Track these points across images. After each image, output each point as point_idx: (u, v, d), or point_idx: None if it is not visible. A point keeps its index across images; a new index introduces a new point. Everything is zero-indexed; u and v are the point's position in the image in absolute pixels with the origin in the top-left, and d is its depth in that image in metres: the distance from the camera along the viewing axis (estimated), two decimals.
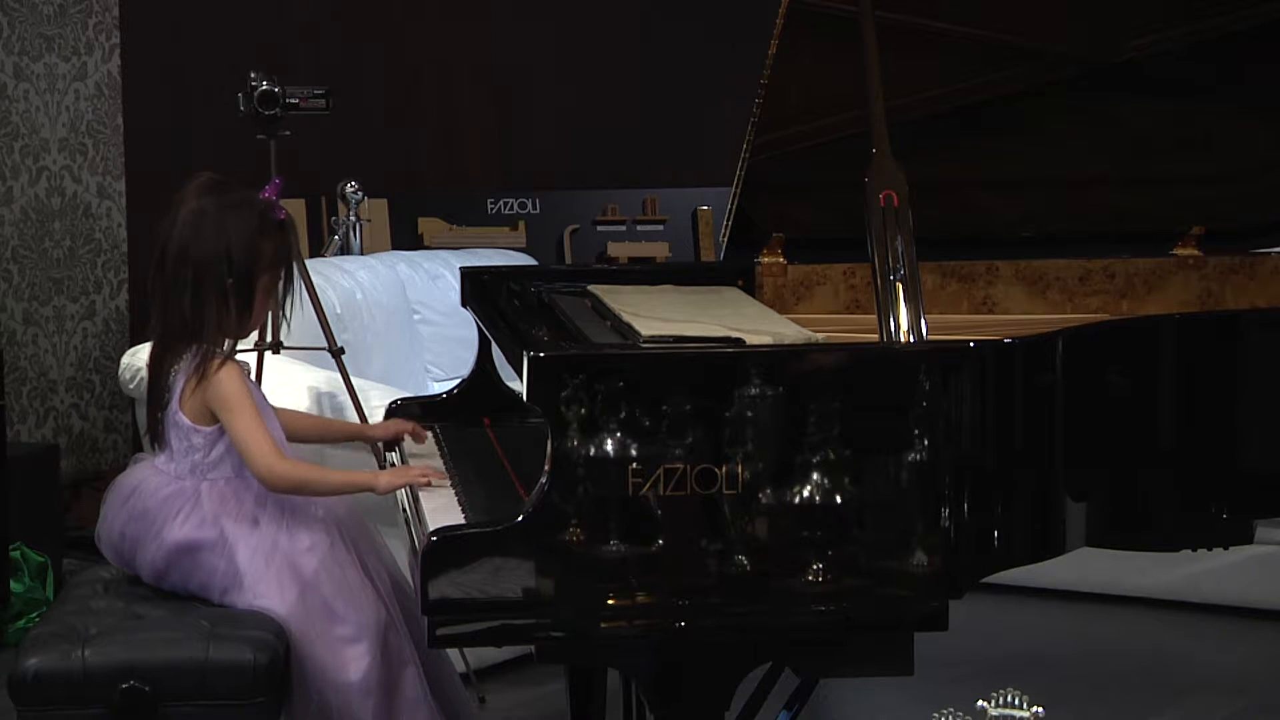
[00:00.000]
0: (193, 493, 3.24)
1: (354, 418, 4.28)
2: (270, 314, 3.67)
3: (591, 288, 3.44)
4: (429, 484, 3.12)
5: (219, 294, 3.20)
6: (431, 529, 2.71)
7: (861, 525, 2.70)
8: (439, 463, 3.33)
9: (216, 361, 3.20)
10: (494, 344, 3.47)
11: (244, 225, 3.21)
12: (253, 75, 4.51)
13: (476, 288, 3.59)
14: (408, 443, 3.49)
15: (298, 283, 3.37)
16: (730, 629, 2.71)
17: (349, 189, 5.90)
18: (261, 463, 3.19)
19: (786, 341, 2.93)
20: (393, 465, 3.43)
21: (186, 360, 3.23)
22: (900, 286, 2.91)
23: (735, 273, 3.63)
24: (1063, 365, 2.93)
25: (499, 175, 6.80)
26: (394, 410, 3.64)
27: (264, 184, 3.32)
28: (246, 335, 3.37)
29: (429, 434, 3.48)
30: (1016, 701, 2.48)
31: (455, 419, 3.57)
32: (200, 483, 3.25)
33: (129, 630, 3.14)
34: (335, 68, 6.25)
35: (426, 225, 6.55)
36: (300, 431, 3.46)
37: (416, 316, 5.62)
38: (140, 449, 5.52)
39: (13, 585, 4.92)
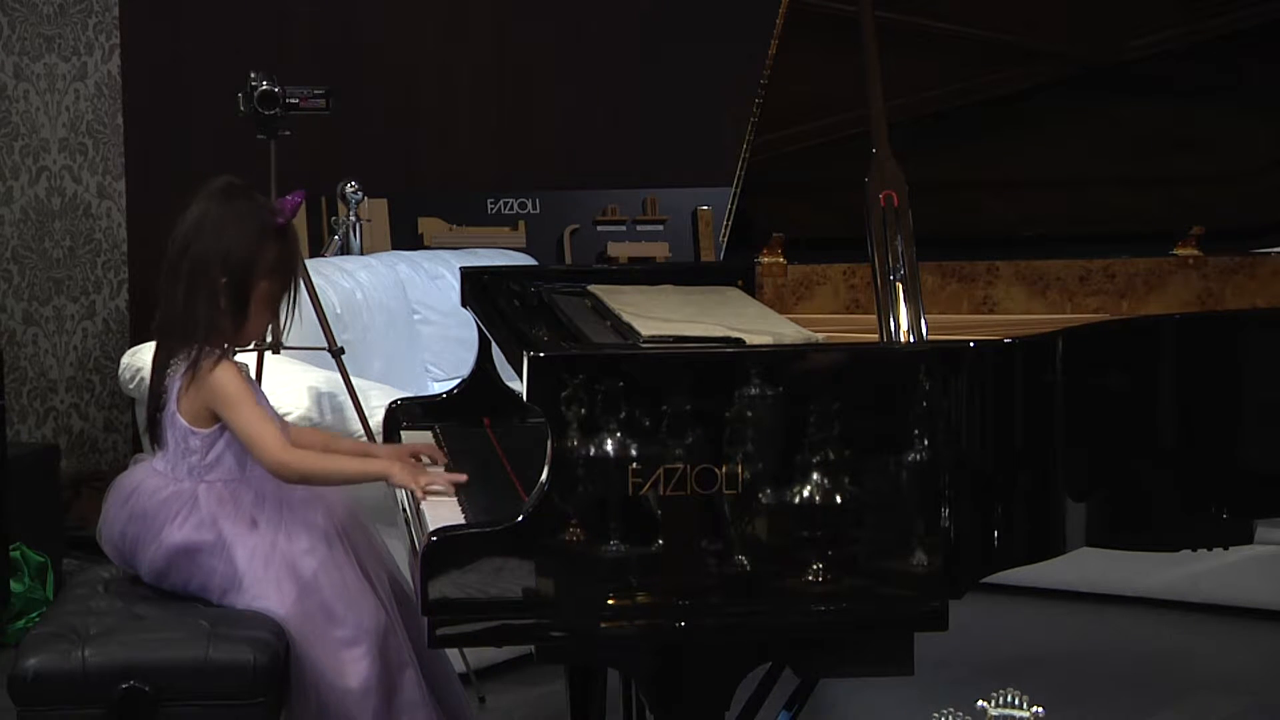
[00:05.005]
0: (190, 495, 3.24)
1: (354, 418, 4.27)
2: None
3: (591, 288, 3.44)
4: (443, 493, 3.12)
5: (212, 293, 3.20)
6: (431, 529, 2.70)
7: (861, 525, 2.70)
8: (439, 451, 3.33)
9: (210, 360, 3.20)
10: (494, 344, 3.46)
11: (246, 231, 3.22)
12: (253, 75, 4.50)
13: (476, 288, 3.59)
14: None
15: (299, 292, 3.37)
16: (730, 629, 2.71)
17: (349, 189, 5.90)
18: (269, 454, 3.18)
19: (786, 341, 2.93)
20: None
21: (183, 360, 3.23)
22: (900, 286, 2.91)
23: (735, 273, 3.63)
24: (1063, 365, 2.92)
25: (499, 175, 6.79)
26: (394, 410, 3.64)
27: (287, 192, 3.34)
28: (244, 343, 3.37)
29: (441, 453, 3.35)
30: (1016, 701, 2.47)
31: (455, 419, 3.57)
32: (198, 485, 3.25)
33: (129, 630, 3.14)
34: (335, 68, 6.24)
35: (426, 225, 6.54)
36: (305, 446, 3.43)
37: (416, 316, 5.61)
38: (140, 449, 5.53)
39: (13, 585, 4.92)
